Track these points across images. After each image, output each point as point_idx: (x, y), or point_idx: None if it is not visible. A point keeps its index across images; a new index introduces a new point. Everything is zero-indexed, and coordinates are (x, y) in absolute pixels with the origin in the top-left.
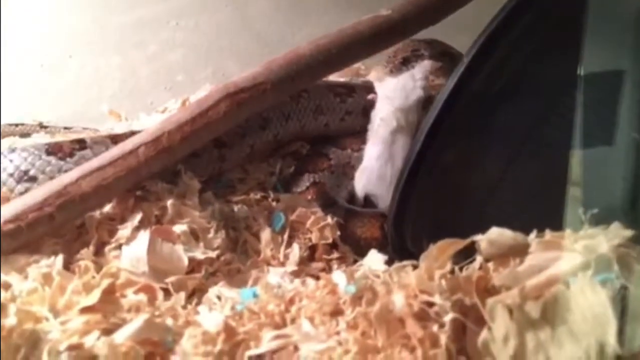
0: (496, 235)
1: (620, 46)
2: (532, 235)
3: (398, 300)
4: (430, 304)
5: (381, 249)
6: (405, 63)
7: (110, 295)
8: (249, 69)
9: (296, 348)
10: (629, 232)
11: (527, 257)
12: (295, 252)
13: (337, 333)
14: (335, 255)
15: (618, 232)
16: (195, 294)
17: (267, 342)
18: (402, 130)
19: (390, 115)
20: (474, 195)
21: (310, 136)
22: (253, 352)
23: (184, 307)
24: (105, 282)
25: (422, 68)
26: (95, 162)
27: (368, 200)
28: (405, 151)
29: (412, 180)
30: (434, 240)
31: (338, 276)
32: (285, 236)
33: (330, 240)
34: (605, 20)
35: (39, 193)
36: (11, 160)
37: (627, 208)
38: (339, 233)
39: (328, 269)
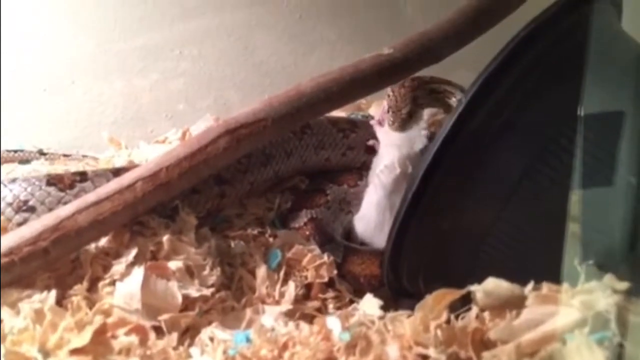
0: (492, 285)
1: (620, 88)
2: (529, 286)
3: (392, 351)
4: (425, 357)
5: (381, 286)
6: (410, 116)
7: (101, 336)
8: (249, 103)
9: None
10: (625, 285)
11: (524, 311)
12: (291, 290)
13: None
14: (331, 294)
15: (615, 286)
16: (189, 332)
17: None
18: (404, 178)
19: (394, 163)
20: (470, 235)
21: (310, 171)
22: None
23: (176, 348)
24: (98, 320)
25: (424, 117)
26: (92, 196)
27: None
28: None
29: (409, 218)
30: (429, 279)
31: (332, 322)
32: (281, 274)
33: (326, 279)
34: (605, 62)
35: (34, 227)
36: (11, 190)
37: (627, 250)
38: (335, 272)
39: (324, 308)
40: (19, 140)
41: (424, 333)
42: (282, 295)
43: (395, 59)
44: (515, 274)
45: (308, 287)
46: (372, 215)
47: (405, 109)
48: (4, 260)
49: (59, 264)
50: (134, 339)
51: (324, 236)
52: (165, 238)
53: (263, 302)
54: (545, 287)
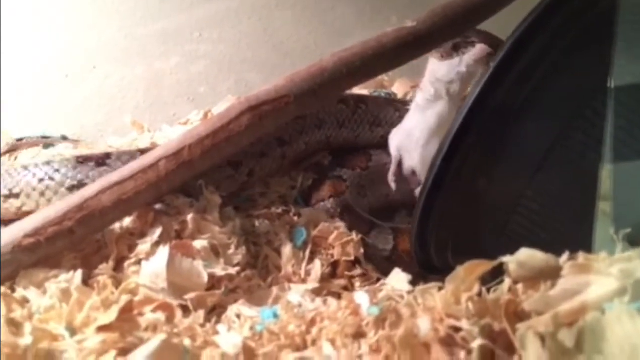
0: (526, 256)
1: None
2: (564, 257)
3: (423, 324)
4: (457, 329)
5: (411, 261)
6: (456, 49)
7: (128, 314)
8: (271, 81)
9: None
10: None
11: (560, 281)
12: (317, 268)
13: (360, 357)
14: (357, 271)
15: None
16: (215, 311)
17: None
18: (439, 99)
19: (427, 85)
20: (497, 207)
21: (363, 146)
22: None
23: (203, 326)
24: (124, 299)
25: (473, 50)
26: (115, 176)
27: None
28: (440, 119)
29: (435, 192)
30: (458, 253)
31: (360, 297)
32: (307, 252)
33: (352, 257)
34: (636, 31)
35: (59, 207)
36: (42, 170)
37: None
38: (362, 250)
39: (350, 286)
40: (42, 126)
41: (456, 305)
42: (308, 273)
43: (418, 31)
44: (545, 246)
45: (334, 265)
46: (404, 125)
47: (453, 41)
48: (30, 240)
49: (85, 244)
50: (160, 316)
51: (352, 214)
52: (189, 217)
53: (289, 280)
54: (582, 257)
